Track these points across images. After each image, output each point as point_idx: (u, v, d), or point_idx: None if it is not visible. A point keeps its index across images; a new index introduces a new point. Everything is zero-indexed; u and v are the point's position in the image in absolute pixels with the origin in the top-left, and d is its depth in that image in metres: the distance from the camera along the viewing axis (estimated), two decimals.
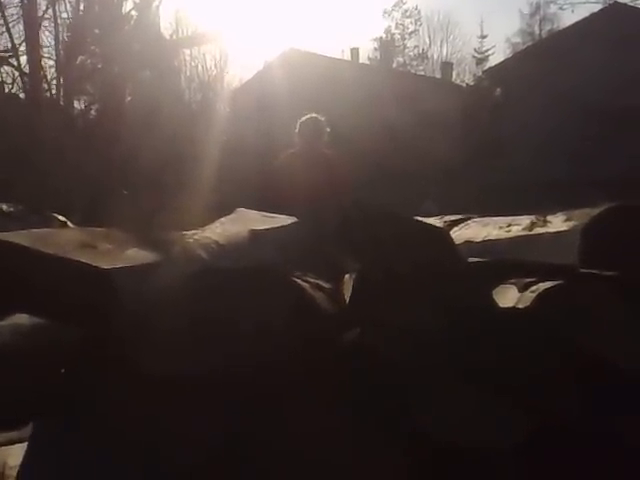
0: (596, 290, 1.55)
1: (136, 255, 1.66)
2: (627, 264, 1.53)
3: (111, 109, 6.87)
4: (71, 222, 4.97)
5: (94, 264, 1.48)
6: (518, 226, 1.95)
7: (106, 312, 1.51)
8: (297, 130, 5.61)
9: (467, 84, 28.47)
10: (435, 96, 23.70)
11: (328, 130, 5.60)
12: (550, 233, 1.70)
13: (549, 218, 1.79)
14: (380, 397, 1.63)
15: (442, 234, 1.73)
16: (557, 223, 1.70)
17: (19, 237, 1.53)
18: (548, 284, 1.61)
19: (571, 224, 1.62)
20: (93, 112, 10.34)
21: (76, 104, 9.79)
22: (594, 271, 1.55)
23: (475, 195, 16.67)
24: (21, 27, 7.21)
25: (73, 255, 1.52)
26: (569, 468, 1.48)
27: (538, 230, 1.78)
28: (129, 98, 7.38)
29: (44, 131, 5.79)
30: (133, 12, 8.78)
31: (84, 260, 1.48)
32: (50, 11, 9.06)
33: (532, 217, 1.96)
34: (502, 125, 21.46)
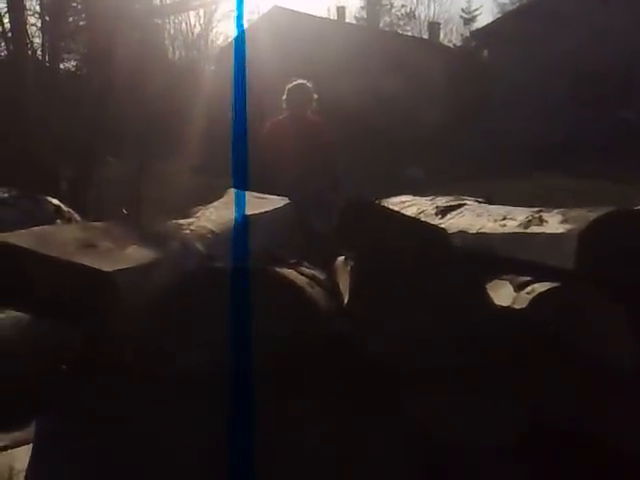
0: (592, 294, 1.59)
1: (136, 254, 1.67)
2: (623, 270, 1.56)
3: (97, 68, 6.73)
4: (60, 196, 4.93)
5: (97, 267, 1.49)
6: (513, 221, 1.97)
7: (107, 313, 1.52)
8: (284, 97, 5.56)
9: (454, 45, 28.24)
10: (422, 57, 23.46)
11: (315, 97, 5.56)
12: (546, 234, 1.72)
13: (545, 217, 1.81)
14: (378, 394, 1.67)
15: (441, 234, 1.75)
16: (553, 224, 1.72)
17: (21, 238, 1.53)
18: (544, 286, 1.64)
19: (568, 227, 1.64)
20: (79, 72, 10.15)
21: (62, 65, 9.57)
22: (590, 275, 1.58)
23: (461, 159, 16.67)
24: None
25: (75, 257, 1.52)
26: (560, 468, 1.53)
27: (533, 229, 1.80)
28: (115, 56, 7.23)
29: (29, 96, 5.69)
30: None
31: (86, 263, 1.49)
32: None
33: (528, 212, 1.98)
34: (490, 87, 21.35)
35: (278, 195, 3.63)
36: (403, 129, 19.58)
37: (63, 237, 1.63)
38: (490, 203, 2.89)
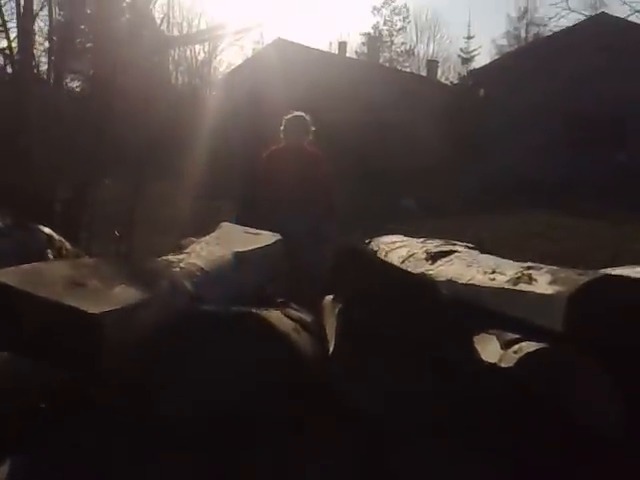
0: (579, 358, 1.59)
1: (124, 293, 1.66)
2: (611, 334, 1.57)
3: (101, 90, 6.77)
4: (54, 217, 4.93)
5: (84, 308, 1.48)
6: (503, 276, 1.98)
7: (93, 355, 1.51)
8: (282, 127, 5.61)
9: (452, 82, 28.57)
10: (420, 92, 23.79)
11: (313, 129, 5.61)
12: (535, 293, 1.73)
13: (534, 275, 1.81)
14: (360, 444, 1.66)
15: (431, 288, 1.75)
16: (542, 284, 1.73)
17: (9, 276, 1.53)
18: (532, 345, 1.64)
19: (557, 289, 1.64)
20: (83, 93, 10.20)
21: (66, 85, 9.58)
22: (578, 339, 1.59)
23: (456, 193, 16.82)
24: (13, 4, 6.98)
25: (63, 296, 1.51)
26: None
27: (522, 287, 1.81)
28: (120, 80, 7.27)
29: (32, 119, 5.70)
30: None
31: (74, 304, 1.48)
32: None
33: (517, 267, 1.98)
34: (484, 125, 21.62)
35: (274, 223, 3.64)
36: (400, 161, 19.75)
37: (52, 275, 1.62)
38: (481, 249, 2.90)
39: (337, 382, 1.65)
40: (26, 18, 5.96)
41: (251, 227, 3.29)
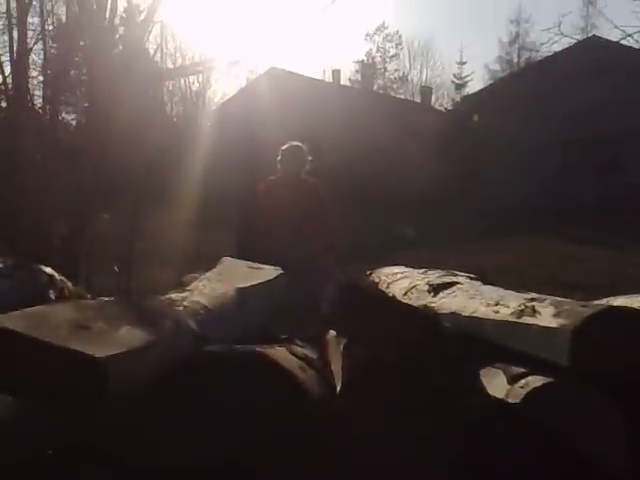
0: (584, 391, 1.59)
1: (129, 335, 1.66)
2: (615, 367, 1.57)
3: (96, 123, 6.79)
4: (52, 253, 4.92)
5: (89, 352, 1.48)
6: (506, 308, 1.98)
7: (98, 398, 1.50)
8: (279, 158, 5.61)
9: (446, 108, 28.82)
10: (414, 119, 23.99)
11: (309, 158, 5.62)
12: (539, 326, 1.73)
13: (538, 307, 1.82)
14: None
15: (433, 321, 1.75)
16: (546, 317, 1.73)
17: (13, 321, 1.53)
18: (538, 380, 1.63)
19: (561, 322, 1.64)
20: (78, 126, 10.25)
21: (61, 118, 9.62)
22: (583, 372, 1.59)
23: (453, 220, 16.85)
24: (6, 38, 7.03)
25: (67, 340, 1.51)
26: None
27: (526, 319, 1.81)
28: (115, 112, 7.30)
29: (27, 156, 5.71)
30: (120, 29, 8.71)
31: (78, 348, 1.48)
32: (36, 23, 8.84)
33: (521, 299, 1.99)
34: (481, 151, 21.74)
35: (273, 255, 3.63)
36: (398, 189, 19.82)
37: (56, 318, 1.62)
38: (483, 280, 2.90)
39: (343, 418, 1.64)
40: (20, 55, 5.99)
41: (251, 260, 3.29)
